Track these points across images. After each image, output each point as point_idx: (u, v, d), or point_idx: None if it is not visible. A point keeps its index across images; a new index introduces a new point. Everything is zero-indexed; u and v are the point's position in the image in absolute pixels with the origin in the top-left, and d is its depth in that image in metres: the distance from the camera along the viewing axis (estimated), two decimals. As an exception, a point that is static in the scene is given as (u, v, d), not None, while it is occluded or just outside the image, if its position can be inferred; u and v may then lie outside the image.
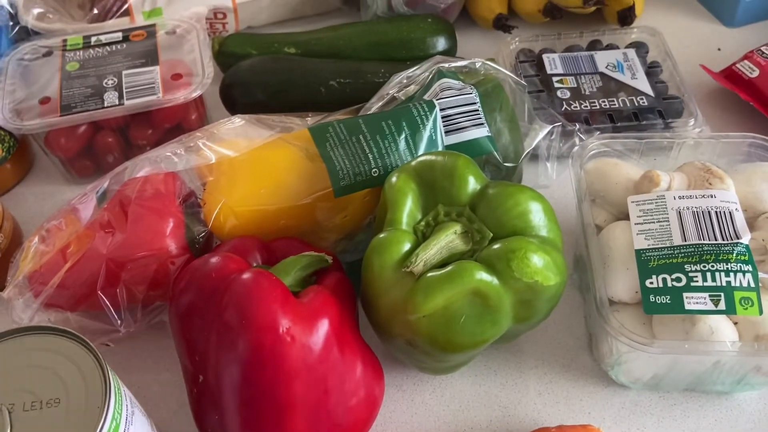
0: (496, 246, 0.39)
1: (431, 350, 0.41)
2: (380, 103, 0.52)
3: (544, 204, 0.41)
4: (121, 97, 0.55)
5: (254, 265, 0.43)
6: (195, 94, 0.56)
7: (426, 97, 0.51)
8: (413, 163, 0.43)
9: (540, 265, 0.38)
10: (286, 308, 0.38)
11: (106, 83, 0.56)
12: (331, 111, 0.55)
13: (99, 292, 0.43)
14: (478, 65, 0.54)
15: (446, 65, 0.53)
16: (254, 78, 0.62)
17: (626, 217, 0.46)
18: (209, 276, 0.40)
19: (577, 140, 0.54)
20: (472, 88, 0.51)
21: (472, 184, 0.42)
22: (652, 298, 0.40)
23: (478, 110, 0.50)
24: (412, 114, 0.49)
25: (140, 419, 0.37)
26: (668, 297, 0.40)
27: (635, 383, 0.45)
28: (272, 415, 0.38)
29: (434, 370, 0.46)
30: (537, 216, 0.40)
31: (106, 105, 0.55)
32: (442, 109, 0.49)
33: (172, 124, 0.58)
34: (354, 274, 0.45)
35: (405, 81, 0.53)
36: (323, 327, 0.39)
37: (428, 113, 0.49)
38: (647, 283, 0.41)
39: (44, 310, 0.44)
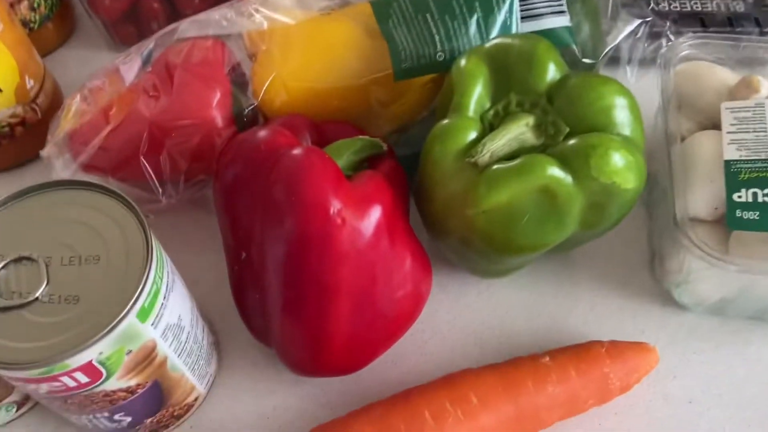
0: (573, 141, 0.35)
1: (486, 250, 0.38)
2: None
3: (630, 100, 0.37)
4: (169, -44, 0.51)
5: (304, 144, 0.40)
6: (248, -40, 0.51)
7: (502, -23, 0.46)
8: (487, 45, 0.39)
9: (621, 165, 0.34)
10: (338, 189, 0.35)
11: (154, -60, 0.52)
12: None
13: (141, 157, 0.41)
14: (562, -53, 0.48)
15: (527, -56, 0.47)
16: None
17: (713, 127, 0.41)
18: (258, 149, 0.37)
19: (664, 42, 0.49)
20: (554, -29, 0.45)
21: (552, 72, 0.37)
22: (738, 212, 0.37)
23: (559, -4, 0.45)
24: (486, -6, 0.44)
25: (180, 289, 0.36)
26: (757, 213, 0.36)
27: (698, 305, 0.43)
28: (316, 298, 0.36)
29: (485, 273, 0.44)
30: (621, 112, 0.36)
31: (153, -36, 0.51)
32: (519, -8, 0.44)
33: (222, -7, 0.54)
34: (406, 168, 0.42)
35: (479, -42, 0.48)
36: (375, 213, 0.36)
37: (504, -5, 0.44)
38: (735, 196, 0.37)
39: (84, 172, 0.42)
